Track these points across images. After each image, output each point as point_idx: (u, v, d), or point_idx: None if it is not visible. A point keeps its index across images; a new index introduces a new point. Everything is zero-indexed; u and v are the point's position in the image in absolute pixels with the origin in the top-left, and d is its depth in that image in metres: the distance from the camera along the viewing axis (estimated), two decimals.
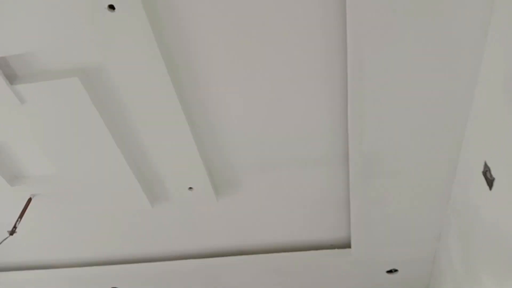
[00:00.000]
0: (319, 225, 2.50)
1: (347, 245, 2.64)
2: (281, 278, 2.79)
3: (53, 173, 2.25)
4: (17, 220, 2.25)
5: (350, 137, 1.82)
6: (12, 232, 2.21)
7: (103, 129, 1.95)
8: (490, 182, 1.59)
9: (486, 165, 1.60)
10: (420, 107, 1.70)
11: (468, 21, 1.41)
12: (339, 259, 2.68)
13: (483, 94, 1.56)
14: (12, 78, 1.82)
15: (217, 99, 1.89)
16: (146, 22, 1.53)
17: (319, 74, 1.75)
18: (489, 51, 1.45)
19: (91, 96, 1.83)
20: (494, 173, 1.55)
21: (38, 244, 2.70)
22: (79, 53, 1.73)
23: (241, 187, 2.31)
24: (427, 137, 1.82)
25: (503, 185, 1.51)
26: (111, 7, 1.48)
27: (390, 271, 2.85)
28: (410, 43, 1.48)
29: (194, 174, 2.14)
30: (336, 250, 2.63)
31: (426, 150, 1.87)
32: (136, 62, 1.68)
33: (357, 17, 1.42)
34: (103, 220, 2.50)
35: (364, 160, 1.92)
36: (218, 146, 2.09)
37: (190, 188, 2.22)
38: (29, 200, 2.34)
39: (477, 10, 1.38)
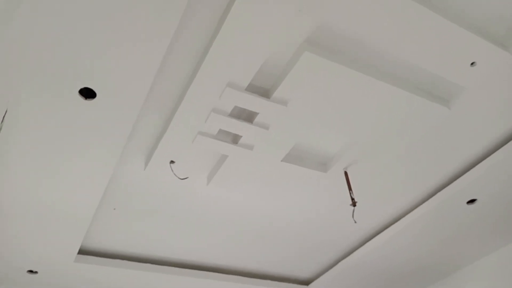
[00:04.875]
0: None
1: None
2: None
3: (347, 141, 2.36)
4: (350, 193, 2.44)
5: None
6: (354, 204, 2.40)
7: (359, 76, 1.93)
8: None
9: None
10: None
11: None
12: None
13: None
14: (265, 94, 2.02)
15: None
16: None
17: None
18: None
19: (328, 57, 1.85)
20: None
21: (377, 203, 2.85)
22: (293, 31, 1.77)
23: None
24: None
25: None
26: None
27: None
28: None
29: (473, 48, 1.88)
30: None
31: None
32: None
33: None
34: (418, 147, 2.45)
35: None
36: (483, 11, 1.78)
37: (472, 63, 1.95)
38: (346, 173, 2.51)
39: None
